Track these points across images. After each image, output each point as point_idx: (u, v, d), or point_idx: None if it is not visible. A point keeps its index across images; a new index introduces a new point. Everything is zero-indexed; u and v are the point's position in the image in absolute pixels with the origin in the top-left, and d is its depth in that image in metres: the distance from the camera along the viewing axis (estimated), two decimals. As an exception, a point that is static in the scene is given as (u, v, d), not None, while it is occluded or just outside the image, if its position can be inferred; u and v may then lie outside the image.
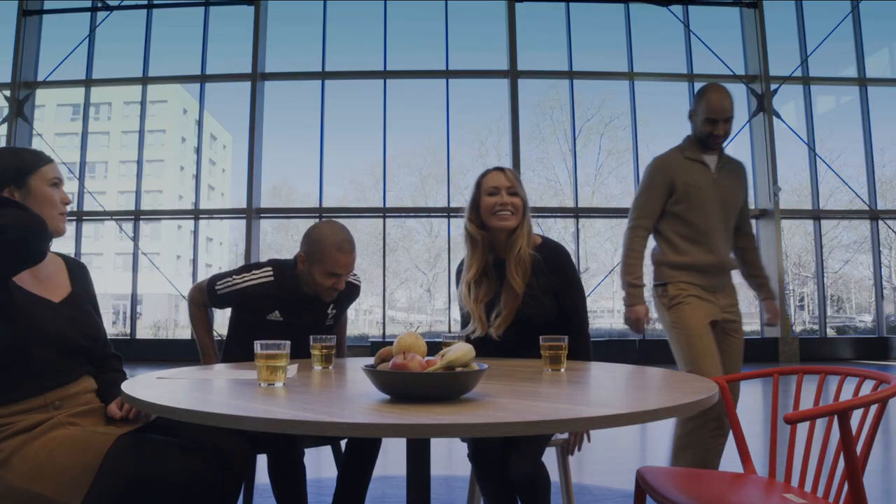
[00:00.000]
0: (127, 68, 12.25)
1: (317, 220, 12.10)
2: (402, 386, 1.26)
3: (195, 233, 12.24)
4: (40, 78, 11.85)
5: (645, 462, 3.99)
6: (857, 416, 1.51)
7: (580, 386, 1.68)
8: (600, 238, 13.89)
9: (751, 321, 13.85)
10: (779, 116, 11.55)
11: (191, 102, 16.11)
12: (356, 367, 1.96)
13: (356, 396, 1.36)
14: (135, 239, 11.72)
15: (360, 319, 15.71)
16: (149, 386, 1.47)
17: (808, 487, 1.65)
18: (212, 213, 15.08)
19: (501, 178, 2.10)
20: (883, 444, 4.08)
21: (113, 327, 14.97)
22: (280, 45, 12.78)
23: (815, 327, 12.57)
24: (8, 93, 11.45)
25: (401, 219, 13.88)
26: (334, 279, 2.12)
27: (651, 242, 2.76)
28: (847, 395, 1.55)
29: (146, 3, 12.11)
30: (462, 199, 13.60)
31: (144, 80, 12.12)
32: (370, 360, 1.52)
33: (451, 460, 3.50)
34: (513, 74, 11.59)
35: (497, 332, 2.11)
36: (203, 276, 13.06)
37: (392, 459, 3.64)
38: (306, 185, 14.58)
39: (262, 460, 2.15)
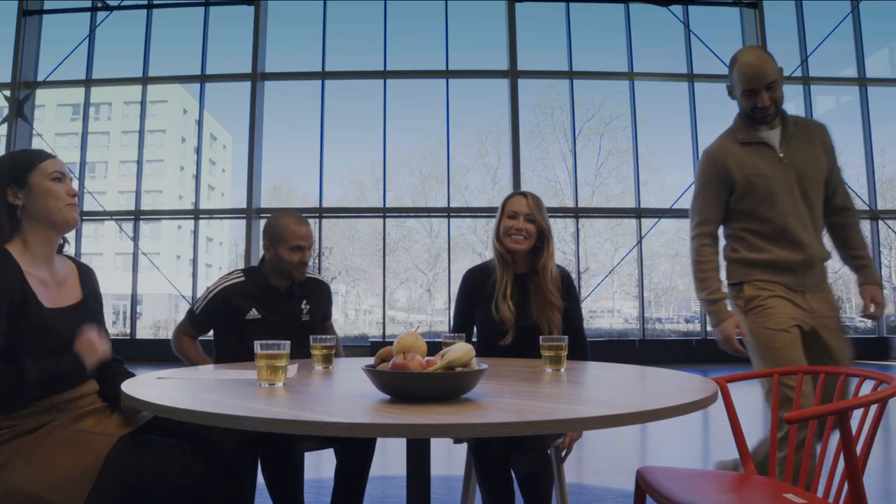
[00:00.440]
0: (127, 68, 12.25)
1: (317, 219, 12.11)
2: (402, 386, 1.26)
3: (195, 233, 12.24)
4: (40, 78, 11.85)
5: (645, 462, 3.99)
6: (857, 415, 1.51)
7: (580, 386, 1.68)
8: (600, 238, 13.89)
9: (751, 321, 13.88)
10: (779, 116, 11.54)
11: (191, 102, 16.11)
12: (356, 367, 1.97)
13: (356, 396, 1.36)
14: (135, 239, 11.72)
15: (360, 319, 15.71)
16: (149, 386, 1.47)
17: (808, 487, 1.66)
18: (212, 213, 15.08)
19: (522, 205, 2.29)
20: (883, 443, 4.08)
21: (113, 327, 14.96)
22: (280, 45, 12.79)
23: (815, 327, 12.55)
24: (8, 93, 11.45)
25: (401, 219, 13.88)
26: (299, 253, 2.31)
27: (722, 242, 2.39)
28: (847, 395, 1.56)
29: (146, 3, 12.10)
30: (462, 199, 13.58)
31: (144, 80, 12.12)
32: (370, 360, 1.52)
33: (451, 460, 3.50)
34: (513, 74, 11.59)
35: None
36: (203, 276, 13.11)
37: (392, 459, 3.64)
38: (306, 185, 14.60)
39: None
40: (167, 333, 13.68)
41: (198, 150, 12.77)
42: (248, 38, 11.69)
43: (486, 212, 12.97)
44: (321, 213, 12.02)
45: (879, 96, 12.37)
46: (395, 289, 14.45)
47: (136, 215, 11.86)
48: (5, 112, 11.66)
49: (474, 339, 2.37)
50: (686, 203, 11.91)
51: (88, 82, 12.04)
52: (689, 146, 12.07)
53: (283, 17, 12.54)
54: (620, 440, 4.36)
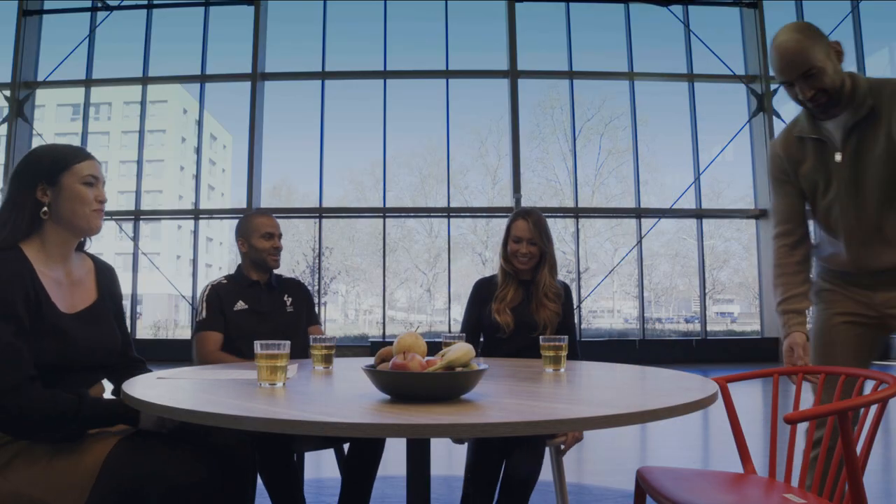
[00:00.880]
0: (127, 68, 12.24)
1: (317, 219, 12.11)
2: (402, 386, 1.26)
3: (195, 233, 12.23)
4: (40, 78, 11.85)
5: (645, 462, 3.99)
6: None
7: (580, 386, 1.68)
8: (600, 238, 13.87)
9: (751, 321, 13.86)
10: (779, 116, 11.55)
11: (191, 102, 16.11)
12: (356, 367, 1.97)
13: (356, 396, 1.36)
14: (135, 239, 11.72)
15: (360, 319, 15.70)
16: (149, 386, 1.47)
17: (808, 487, 1.66)
18: (212, 213, 15.07)
19: (525, 230, 2.47)
20: (883, 443, 4.08)
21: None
22: (280, 45, 12.77)
23: (815, 327, 12.55)
24: (8, 93, 11.45)
25: (401, 219, 13.87)
26: (271, 240, 2.51)
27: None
28: (846, 395, 1.56)
29: (146, 3, 12.10)
30: (462, 199, 13.60)
31: (144, 80, 12.12)
32: (370, 360, 1.52)
33: (451, 460, 3.50)
34: (513, 74, 11.59)
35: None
36: (203, 276, 13.10)
37: (392, 459, 3.64)
38: (306, 185, 14.55)
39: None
40: (167, 333, 13.68)
41: (198, 150, 12.77)
42: (248, 38, 11.70)
43: (486, 212, 12.97)
44: (321, 213, 12.01)
45: (879, 96, 12.34)
46: (395, 289, 14.45)
47: (136, 215, 11.86)
48: (5, 112, 11.66)
49: (482, 340, 2.55)
50: (686, 203, 11.89)
51: (88, 82, 12.03)
52: (689, 146, 12.07)
53: (283, 17, 12.54)
54: (620, 440, 4.36)
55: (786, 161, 1.96)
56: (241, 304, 2.44)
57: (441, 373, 1.26)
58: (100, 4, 11.91)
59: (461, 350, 1.31)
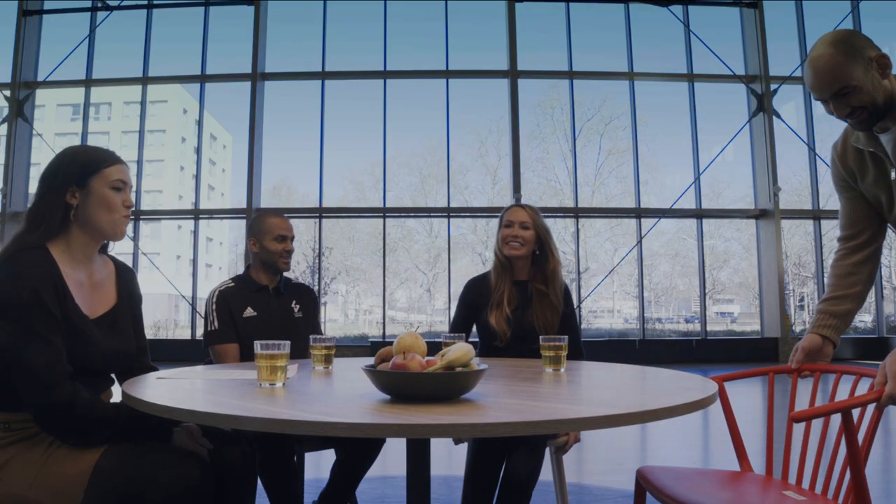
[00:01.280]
0: (127, 68, 12.25)
1: (317, 219, 12.11)
2: (402, 386, 1.26)
3: (195, 233, 12.24)
4: (40, 78, 11.85)
5: (645, 462, 3.99)
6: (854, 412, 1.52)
7: (580, 386, 1.68)
8: (600, 238, 13.86)
9: (751, 321, 13.86)
10: (779, 116, 11.55)
11: (191, 102, 16.11)
12: (356, 367, 1.97)
13: (356, 396, 1.36)
14: (135, 239, 11.72)
15: (360, 319, 15.70)
16: (149, 386, 1.47)
17: (805, 484, 1.66)
18: (212, 213, 15.08)
19: (518, 214, 2.36)
20: (883, 443, 4.08)
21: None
22: (280, 45, 12.77)
23: (815, 327, 12.54)
24: (8, 93, 11.45)
25: (401, 219, 13.87)
26: (283, 242, 2.47)
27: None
28: (843, 393, 1.55)
29: (146, 3, 12.11)
30: (462, 199, 13.59)
31: (144, 80, 12.12)
32: (370, 360, 1.52)
33: (451, 460, 3.50)
34: (513, 74, 11.59)
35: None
36: (203, 276, 13.10)
37: (392, 459, 3.64)
38: (306, 185, 14.54)
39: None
40: (167, 334, 13.68)
41: (198, 150, 12.77)
42: (248, 38, 11.70)
43: (486, 212, 12.97)
44: (321, 213, 12.01)
45: (879, 96, 12.34)
46: (395, 289, 14.45)
47: (136, 215, 11.86)
48: (5, 112, 11.66)
49: (474, 339, 2.42)
50: (686, 203, 11.89)
51: (88, 82, 12.04)
52: (689, 146, 12.08)
53: (283, 17, 12.54)
54: (620, 440, 4.36)
55: (843, 171, 1.84)
56: (249, 311, 2.41)
57: (441, 373, 1.26)
58: (100, 4, 11.91)
59: (461, 350, 1.31)
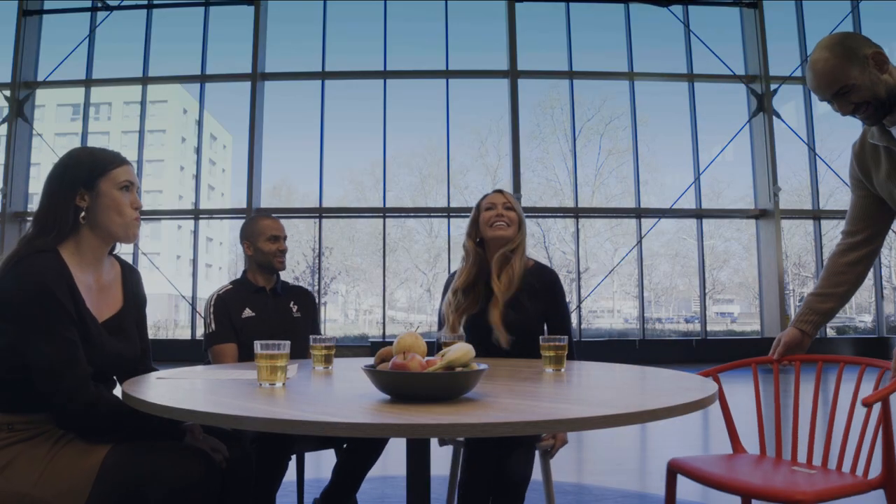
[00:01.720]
0: (127, 68, 12.24)
1: (317, 219, 12.10)
2: (402, 386, 1.26)
3: (195, 233, 12.23)
4: (40, 78, 11.85)
5: (645, 462, 4.00)
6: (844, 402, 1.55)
7: (580, 386, 1.68)
8: (600, 238, 13.85)
9: (751, 321, 13.85)
10: (779, 116, 11.55)
11: (191, 102, 16.10)
12: (356, 367, 1.97)
13: (356, 396, 1.36)
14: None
15: (360, 319, 15.70)
16: (149, 386, 1.47)
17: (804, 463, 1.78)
18: (212, 213, 15.07)
19: (499, 197, 2.34)
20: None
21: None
22: (280, 45, 12.77)
23: (815, 327, 12.54)
24: (8, 93, 11.44)
25: (401, 219, 13.87)
26: (276, 242, 2.50)
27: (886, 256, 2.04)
28: (829, 384, 1.61)
29: (146, 3, 12.11)
30: (462, 199, 13.59)
31: (144, 80, 12.12)
32: (370, 360, 1.52)
33: (450, 460, 3.49)
34: (513, 74, 11.58)
35: (502, 339, 2.19)
36: (203, 276, 13.09)
37: (392, 459, 3.64)
38: (306, 185, 14.53)
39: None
40: (167, 334, 13.68)
41: (198, 150, 12.77)
42: (248, 38, 11.70)
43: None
44: (321, 213, 12.01)
45: (879, 96, 12.33)
46: (395, 289, 14.44)
47: (136, 215, 11.85)
48: (5, 112, 11.66)
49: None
50: (686, 203, 11.88)
51: (88, 82, 12.03)
52: (689, 146, 12.07)
53: (283, 17, 12.54)
54: (620, 440, 4.37)
55: (858, 169, 1.89)
56: (248, 312, 2.43)
57: (441, 373, 1.26)
58: (100, 4, 11.91)
59: (461, 350, 1.31)
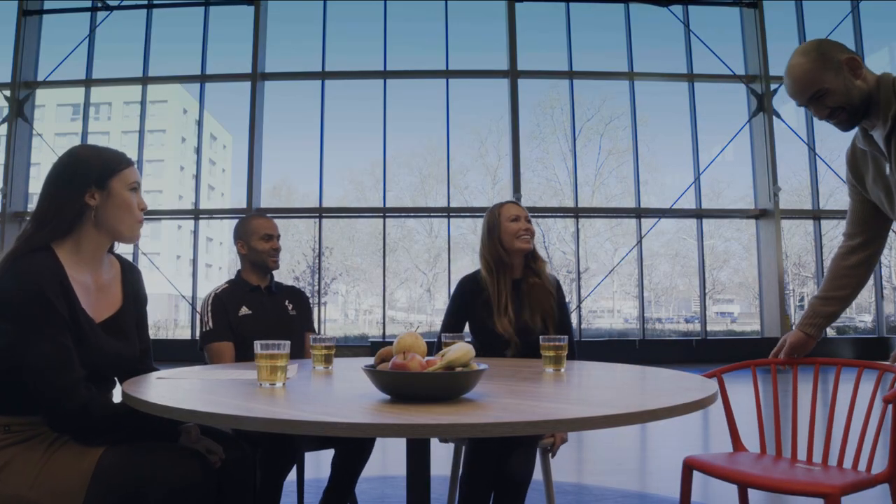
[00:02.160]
0: (127, 68, 12.24)
1: (317, 219, 12.10)
2: (402, 386, 1.26)
3: (195, 233, 12.23)
4: (40, 78, 11.84)
5: (645, 462, 4.00)
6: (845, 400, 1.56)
7: (580, 386, 1.68)
8: (600, 238, 13.85)
9: (751, 321, 13.85)
10: (779, 116, 11.55)
11: (191, 102, 16.10)
12: (356, 367, 1.97)
13: (356, 396, 1.36)
14: (135, 239, 11.71)
15: (360, 319, 15.69)
16: (149, 386, 1.47)
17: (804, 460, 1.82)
18: (212, 213, 15.07)
19: (520, 209, 2.39)
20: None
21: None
22: (280, 45, 12.77)
23: (815, 327, 12.54)
24: (8, 93, 11.44)
25: (401, 219, 13.87)
26: (270, 241, 2.51)
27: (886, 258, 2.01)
28: (828, 385, 1.63)
29: (146, 3, 12.10)
30: (462, 199, 13.57)
31: (144, 80, 12.12)
32: (370, 360, 1.52)
33: (450, 460, 3.49)
34: (513, 74, 11.58)
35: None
36: (203, 275, 13.09)
37: (392, 459, 3.64)
38: (306, 185, 14.54)
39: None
40: (167, 334, 13.68)
41: (198, 150, 12.77)
42: (248, 38, 11.69)
43: (486, 212, 12.95)
44: (321, 213, 12.01)
45: (879, 96, 12.32)
46: (395, 289, 14.44)
47: (136, 215, 11.85)
48: (5, 112, 11.65)
49: (469, 340, 2.40)
50: (686, 203, 11.87)
51: (88, 82, 12.03)
52: (689, 146, 12.07)
53: (283, 17, 12.53)
54: (620, 440, 4.37)
55: (852, 174, 1.91)
56: (244, 310, 2.44)
57: (441, 373, 1.26)
58: (100, 4, 11.91)
59: (461, 350, 1.31)
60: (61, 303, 1.42)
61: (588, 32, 12.90)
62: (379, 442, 2.62)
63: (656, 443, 4.46)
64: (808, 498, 1.62)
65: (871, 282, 13.07)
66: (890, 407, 1.63)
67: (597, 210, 13.08)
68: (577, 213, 12.07)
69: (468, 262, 13.50)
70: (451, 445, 2.36)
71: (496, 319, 2.29)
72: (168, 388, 1.45)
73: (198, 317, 2.38)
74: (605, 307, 15.41)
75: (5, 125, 11.50)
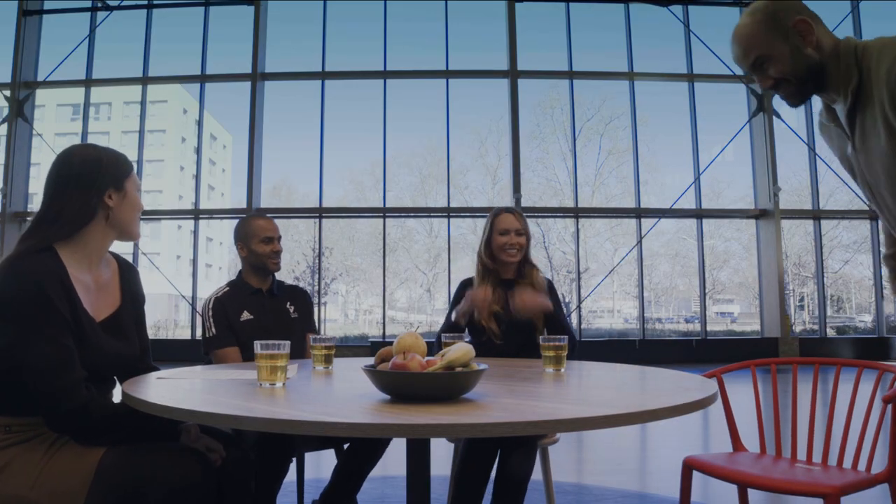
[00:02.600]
0: (127, 68, 12.24)
1: (317, 219, 12.10)
2: (402, 386, 1.26)
3: (195, 233, 12.23)
4: (40, 78, 11.84)
5: (645, 462, 4.00)
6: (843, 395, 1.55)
7: (580, 386, 1.68)
8: (600, 238, 13.85)
9: (751, 321, 13.85)
10: (779, 116, 11.55)
11: (191, 102, 16.11)
12: (356, 367, 1.97)
13: (356, 396, 1.36)
14: (135, 239, 11.71)
15: (360, 319, 15.70)
16: (149, 386, 1.47)
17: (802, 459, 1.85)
18: (212, 213, 15.07)
19: (512, 221, 2.46)
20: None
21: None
22: (280, 45, 12.77)
23: (815, 327, 12.58)
24: (8, 93, 11.44)
25: (401, 219, 13.87)
26: (270, 244, 2.48)
27: None
28: (828, 385, 1.62)
29: (146, 3, 12.10)
30: (462, 199, 13.58)
31: (144, 80, 12.12)
32: (370, 360, 1.52)
33: (450, 460, 3.49)
34: (513, 74, 11.58)
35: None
36: (203, 276, 13.09)
37: (392, 459, 3.64)
38: (306, 185, 14.55)
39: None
40: (167, 334, 13.68)
41: (198, 150, 12.77)
42: (248, 38, 11.69)
43: (486, 212, 12.94)
44: (321, 213, 12.01)
45: (879, 96, 12.32)
46: (395, 289, 14.44)
47: (136, 215, 11.84)
48: (5, 112, 11.65)
49: (468, 339, 2.46)
50: (686, 203, 11.88)
51: (88, 82, 12.03)
52: (689, 146, 12.07)
53: (283, 17, 12.53)
54: (620, 440, 4.36)
55: (828, 142, 1.68)
56: (245, 315, 2.42)
57: (441, 373, 1.26)
58: (100, 4, 11.91)
59: (461, 350, 1.31)
60: (63, 303, 1.42)
61: (588, 32, 12.90)
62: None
63: (656, 443, 4.46)
64: (808, 498, 1.62)
65: (871, 281, 13.05)
66: (889, 407, 1.63)
67: (597, 210, 13.07)
68: (577, 213, 12.07)
69: (468, 262, 13.50)
70: (451, 445, 2.36)
71: (477, 315, 2.40)
72: (168, 388, 1.45)
73: (199, 319, 2.36)
74: (605, 307, 15.41)
75: (5, 125, 11.50)
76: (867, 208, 11.65)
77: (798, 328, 13.22)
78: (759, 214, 11.77)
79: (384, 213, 12.23)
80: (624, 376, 1.82)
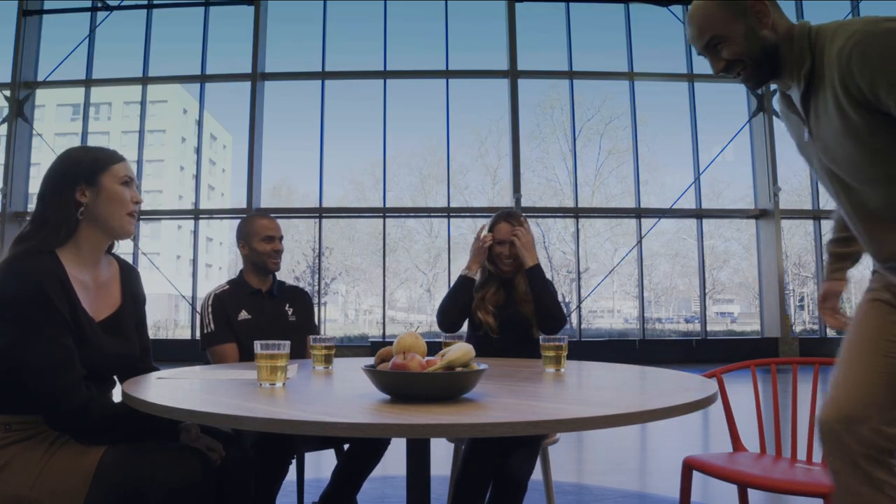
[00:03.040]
0: (127, 68, 12.24)
1: (317, 219, 12.10)
2: (402, 386, 1.26)
3: (195, 233, 12.23)
4: (40, 78, 11.84)
5: (645, 462, 4.00)
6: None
7: (580, 386, 1.68)
8: (600, 238, 13.85)
9: (751, 321, 13.85)
10: (779, 116, 11.53)
11: (191, 102, 16.11)
12: (356, 367, 1.97)
13: (356, 396, 1.36)
14: (135, 239, 11.71)
15: (360, 319, 15.70)
16: (149, 386, 1.47)
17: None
18: (212, 213, 15.07)
19: (508, 230, 2.45)
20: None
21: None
22: (280, 45, 12.77)
23: (815, 327, 12.58)
24: (8, 93, 11.44)
25: (401, 219, 13.87)
26: (271, 243, 2.47)
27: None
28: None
29: (146, 3, 12.10)
30: (462, 199, 13.58)
31: (144, 80, 12.12)
32: (370, 360, 1.52)
33: (450, 460, 3.50)
34: (513, 74, 11.58)
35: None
36: (203, 276, 13.09)
37: (392, 459, 3.63)
38: (306, 185, 14.57)
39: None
40: (167, 334, 13.68)
41: (198, 150, 12.76)
42: (248, 38, 11.69)
43: (486, 212, 12.96)
44: (321, 213, 12.01)
45: (879, 96, 12.32)
46: (395, 289, 14.44)
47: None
48: (5, 112, 11.65)
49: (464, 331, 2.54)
50: (686, 203, 11.89)
51: (88, 82, 12.03)
52: (689, 146, 12.07)
53: (283, 17, 12.53)
54: (620, 440, 4.36)
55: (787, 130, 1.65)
56: (244, 314, 2.41)
57: (441, 373, 1.26)
58: (100, 4, 11.91)
59: (461, 350, 1.31)
60: (62, 303, 1.43)
61: (588, 32, 12.90)
62: (379, 442, 2.62)
63: (656, 443, 4.46)
64: (808, 498, 1.62)
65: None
66: None
67: (597, 210, 13.07)
68: (577, 213, 12.07)
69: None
70: (452, 445, 2.36)
71: (476, 308, 2.43)
72: (168, 388, 1.45)
73: (198, 317, 2.35)
74: (605, 307, 15.41)
75: (5, 125, 11.50)
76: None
77: (798, 328, 13.22)
78: (759, 214, 11.77)
79: (384, 213, 12.23)
80: (624, 376, 1.82)
